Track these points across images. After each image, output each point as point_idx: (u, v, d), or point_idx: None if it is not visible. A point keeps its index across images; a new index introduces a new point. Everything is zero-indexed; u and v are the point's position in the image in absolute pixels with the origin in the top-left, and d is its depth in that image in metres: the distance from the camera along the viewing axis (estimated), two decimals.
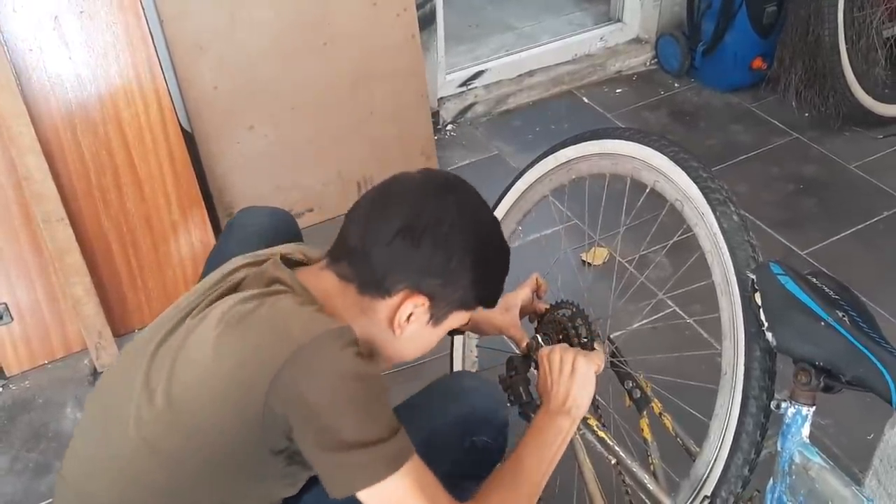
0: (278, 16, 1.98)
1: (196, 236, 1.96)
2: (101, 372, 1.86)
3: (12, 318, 1.84)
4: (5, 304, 1.81)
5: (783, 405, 0.97)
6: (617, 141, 1.29)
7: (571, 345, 1.32)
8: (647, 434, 1.27)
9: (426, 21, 2.35)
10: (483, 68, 2.66)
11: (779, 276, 0.97)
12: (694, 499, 1.10)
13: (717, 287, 1.11)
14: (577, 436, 1.29)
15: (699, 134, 2.54)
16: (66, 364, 1.90)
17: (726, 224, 1.10)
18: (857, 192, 2.26)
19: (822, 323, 0.91)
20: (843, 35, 2.36)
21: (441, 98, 2.57)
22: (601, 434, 1.25)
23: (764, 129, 2.53)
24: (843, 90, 2.40)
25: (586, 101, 2.70)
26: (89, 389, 1.84)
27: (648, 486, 1.17)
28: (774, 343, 0.95)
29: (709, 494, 1.08)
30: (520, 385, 1.37)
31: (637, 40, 2.87)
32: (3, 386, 1.85)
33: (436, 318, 1.03)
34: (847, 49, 2.37)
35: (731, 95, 2.67)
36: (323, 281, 1.00)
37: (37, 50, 1.69)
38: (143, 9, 1.78)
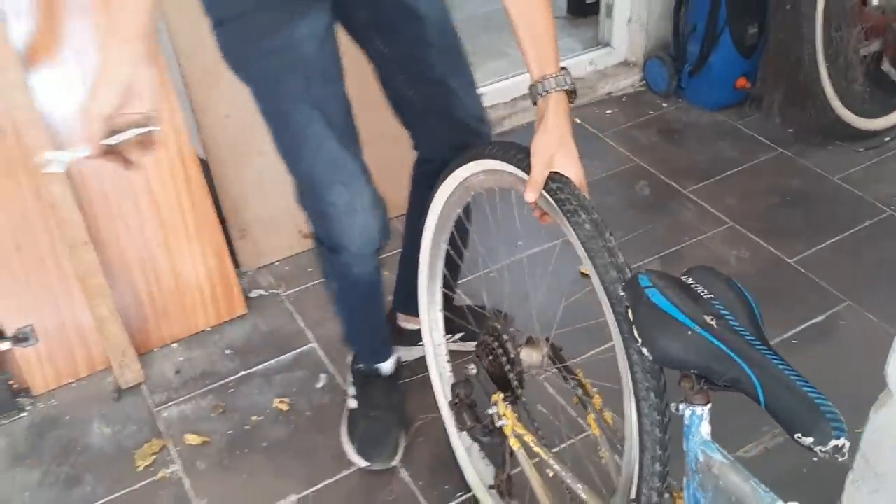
0: None
1: (212, 258, 2.05)
2: (125, 389, 1.95)
3: (38, 340, 1.92)
4: (31, 326, 1.89)
5: (680, 407, 0.99)
6: (489, 160, 1.31)
7: (501, 364, 1.39)
8: (595, 429, 1.33)
9: None
10: (479, 93, 2.76)
11: (646, 290, 0.97)
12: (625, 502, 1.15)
13: (598, 293, 1.11)
14: (522, 450, 1.38)
15: (687, 150, 2.65)
16: (90, 382, 1.98)
17: (580, 233, 1.10)
18: (841, 203, 2.37)
19: (689, 332, 0.92)
20: (822, 54, 2.48)
21: None
22: (536, 449, 1.33)
23: (749, 144, 2.64)
24: (823, 106, 2.51)
25: (578, 121, 2.81)
26: (114, 406, 1.92)
27: (582, 495, 1.25)
28: (650, 357, 0.97)
29: (634, 498, 1.12)
30: (463, 411, 1.44)
31: (625, 63, 2.99)
32: (31, 405, 1.93)
33: None
34: (826, 67, 2.49)
35: (717, 114, 2.79)
36: None
37: (58, 84, 1.79)
38: (161, 46, 1.88)
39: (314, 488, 1.71)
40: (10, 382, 1.93)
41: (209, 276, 2.06)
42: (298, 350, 2.02)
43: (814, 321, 1.98)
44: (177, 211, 1.98)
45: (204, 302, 2.07)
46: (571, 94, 1.19)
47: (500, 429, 1.39)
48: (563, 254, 2.26)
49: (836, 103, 2.53)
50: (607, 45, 3.00)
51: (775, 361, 0.89)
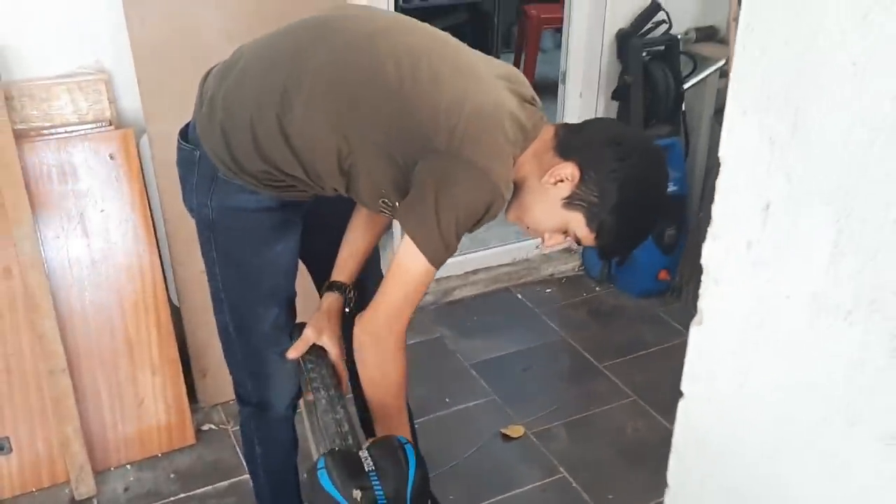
0: None
1: (171, 392, 2.38)
2: (79, 501, 2.23)
3: (12, 450, 2.23)
4: (8, 437, 2.22)
5: None
6: None
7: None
8: None
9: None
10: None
11: (318, 471, 1.25)
12: None
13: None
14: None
15: (611, 331, 2.99)
16: (49, 492, 2.27)
17: (318, 406, 1.45)
18: None
19: None
20: None
21: None
22: None
23: (666, 329, 2.98)
24: None
25: (520, 297, 3.18)
26: None
27: None
28: None
29: None
30: None
31: (567, 250, 3.39)
32: None
33: (567, 201, 1.39)
34: None
35: (642, 300, 3.15)
36: (545, 129, 1.44)
37: (63, 237, 2.21)
38: (151, 209, 2.31)
39: None
40: None
41: (167, 408, 2.39)
42: (234, 480, 2.31)
43: None
44: (146, 349, 2.33)
45: (159, 430, 2.39)
46: (347, 300, 1.65)
47: None
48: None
49: None
50: None
51: None
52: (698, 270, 3.34)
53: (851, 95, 0.89)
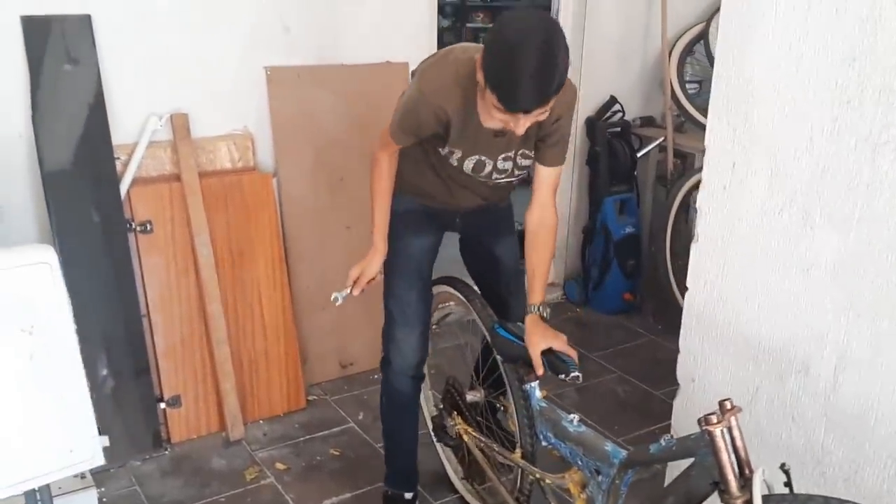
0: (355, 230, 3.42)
1: (290, 367, 3.21)
2: (232, 441, 3.00)
3: (182, 405, 3.00)
4: (180, 394, 2.99)
5: (525, 385, 2.13)
6: (444, 286, 2.51)
7: (456, 400, 2.52)
8: (511, 422, 2.31)
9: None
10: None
11: (496, 328, 2.19)
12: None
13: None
14: (469, 439, 2.46)
15: (594, 336, 3.98)
16: (209, 438, 3.03)
17: (477, 310, 2.33)
18: None
19: (514, 344, 2.09)
20: (672, 278, 3.91)
21: None
22: (473, 433, 2.44)
23: (633, 333, 3.98)
24: (677, 312, 3.90)
25: None
26: (226, 450, 2.96)
27: (495, 448, 2.33)
28: (501, 358, 2.22)
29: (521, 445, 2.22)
30: (437, 430, 2.60)
31: (552, 284, 4.40)
32: (169, 447, 2.96)
33: (481, 86, 1.88)
34: (676, 285, 3.90)
35: (612, 316, 4.16)
36: None
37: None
38: (277, 213, 3.19)
39: (357, 492, 2.76)
40: (160, 431, 2.97)
41: (288, 379, 3.20)
42: (343, 427, 3.13)
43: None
44: (274, 332, 3.17)
45: (281, 395, 3.20)
46: (542, 316, 2.16)
47: (458, 434, 2.50)
48: None
49: None
50: None
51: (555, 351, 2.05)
52: (653, 291, 4.67)
53: (772, 112, 1.95)
